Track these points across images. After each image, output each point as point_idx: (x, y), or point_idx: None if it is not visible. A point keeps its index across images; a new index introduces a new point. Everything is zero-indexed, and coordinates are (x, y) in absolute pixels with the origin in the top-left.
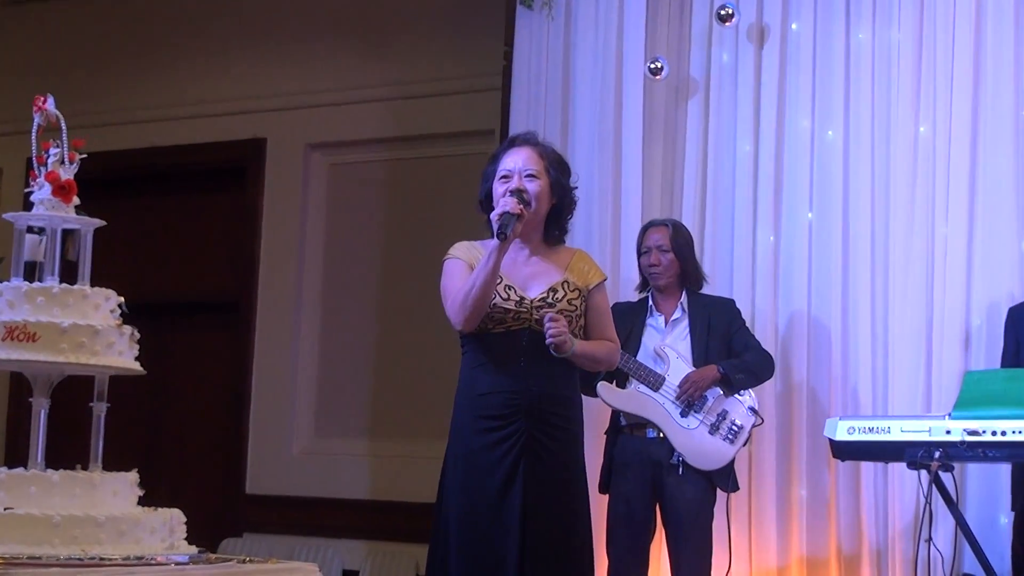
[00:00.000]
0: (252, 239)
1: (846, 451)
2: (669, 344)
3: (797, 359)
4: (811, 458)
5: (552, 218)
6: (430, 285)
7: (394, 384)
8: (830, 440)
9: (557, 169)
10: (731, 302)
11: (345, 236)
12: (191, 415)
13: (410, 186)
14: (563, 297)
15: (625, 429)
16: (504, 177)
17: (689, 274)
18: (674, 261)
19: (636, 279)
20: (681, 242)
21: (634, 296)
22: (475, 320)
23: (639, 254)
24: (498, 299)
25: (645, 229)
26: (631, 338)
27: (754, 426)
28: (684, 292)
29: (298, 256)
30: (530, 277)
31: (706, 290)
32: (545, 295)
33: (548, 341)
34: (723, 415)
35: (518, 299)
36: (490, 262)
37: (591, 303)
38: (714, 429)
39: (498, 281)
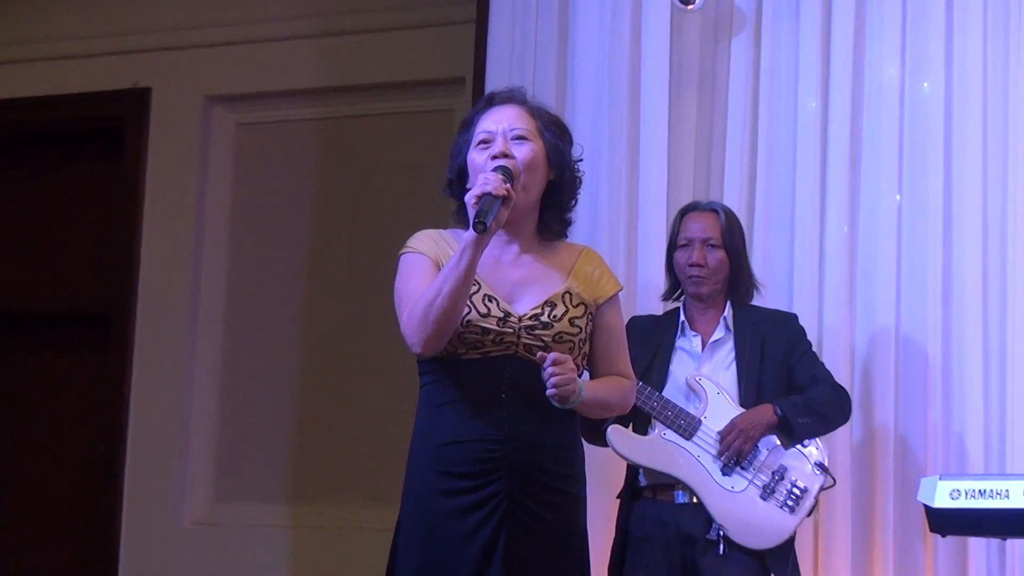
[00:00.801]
0: (131, 226)
1: (948, 522)
2: (707, 375)
3: (881, 396)
4: (900, 532)
5: (550, 201)
6: (378, 290)
7: (325, 428)
8: (926, 507)
9: (555, 133)
10: (792, 318)
11: (260, 223)
12: (45, 470)
13: (349, 155)
14: (563, 314)
15: (645, 491)
16: (483, 142)
17: (740, 280)
18: (724, 261)
19: (660, 284)
20: (735, 236)
21: (657, 306)
22: (440, 341)
23: (672, 247)
24: (474, 314)
25: (683, 214)
26: (655, 365)
27: (823, 488)
28: (729, 304)
29: (194, 250)
30: (519, 285)
31: (757, 301)
32: (539, 310)
33: (550, 392)
34: (780, 473)
35: (501, 315)
36: (462, 262)
37: (601, 323)
38: (768, 492)
39: (474, 289)
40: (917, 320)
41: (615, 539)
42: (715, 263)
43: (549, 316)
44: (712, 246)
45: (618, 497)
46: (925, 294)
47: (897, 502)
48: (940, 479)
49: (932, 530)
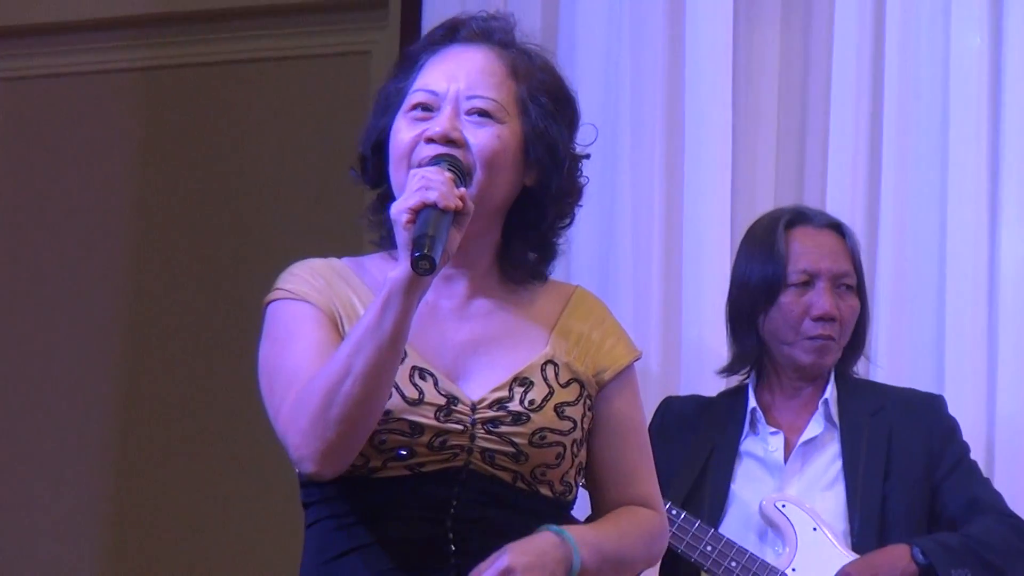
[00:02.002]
0: None
1: None
2: (796, 499)
3: None
4: None
5: (522, 217)
6: (237, 352)
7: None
8: None
9: (546, 107)
10: (936, 404)
11: (46, 229)
12: None
13: (194, 126)
14: (545, 399)
15: None
16: (419, 107)
17: (859, 341)
18: (858, 312)
19: (717, 346)
20: (862, 269)
21: (708, 383)
22: (348, 454)
23: (774, 285)
24: (397, 400)
25: (790, 228)
26: (708, 483)
27: None
28: (832, 380)
29: None
30: (470, 350)
31: (875, 374)
32: (504, 392)
33: None
34: None
35: (443, 401)
36: (388, 318)
37: (607, 414)
38: None
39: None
40: None
41: None
42: (850, 316)
43: (522, 402)
44: (847, 288)
45: None
46: None
47: None
48: None
49: None
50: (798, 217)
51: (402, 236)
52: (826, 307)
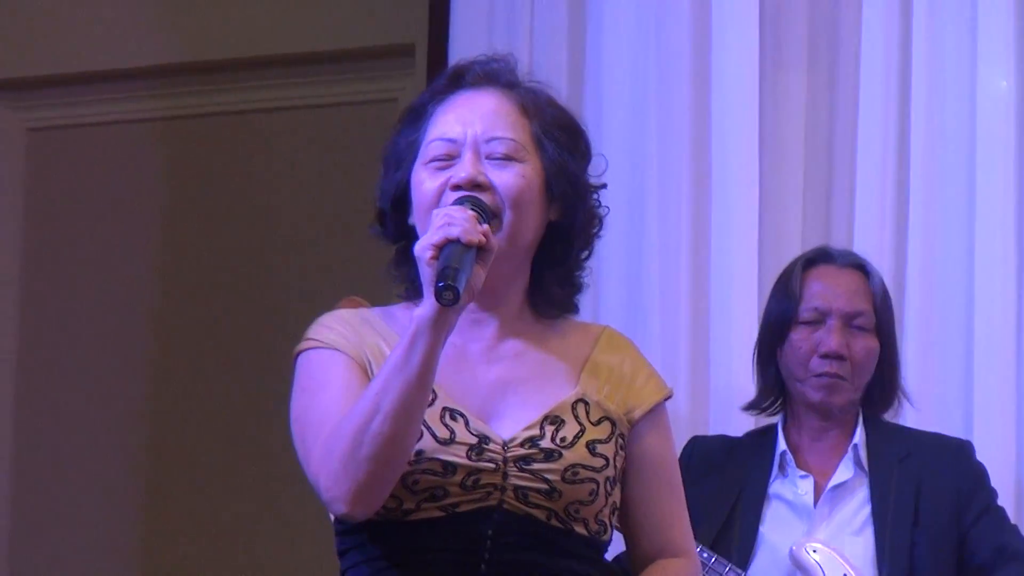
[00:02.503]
0: None
1: None
2: (825, 542)
3: None
4: None
5: (550, 255)
6: (264, 398)
7: None
8: None
9: (560, 141)
10: (965, 449)
11: (72, 281)
12: None
13: (218, 177)
14: (577, 436)
15: None
16: (438, 160)
17: (885, 385)
18: (875, 355)
19: (745, 386)
20: (888, 313)
21: (736, 424)
22: (379, 493)
23: (783, 323)
24: (428, 441)
25: (808, 267)
26: (737, 525)
27: None
28: (861, 423)
29: None
30: (499, 390)
31: (903, 417)
32: (535, 431)
33: None
34: None
35: (474, 440)
36: (415, 357)
37: (639, 453)
38: None
39: (429, 399)
40: None
41: None
42: (863, 356)
43: (553, 440)
44: (860, 329)
45: None
46: None
47: None
48: None
49: None
50: (820, 256)
51: (426, 272)
52: (832, 345)
